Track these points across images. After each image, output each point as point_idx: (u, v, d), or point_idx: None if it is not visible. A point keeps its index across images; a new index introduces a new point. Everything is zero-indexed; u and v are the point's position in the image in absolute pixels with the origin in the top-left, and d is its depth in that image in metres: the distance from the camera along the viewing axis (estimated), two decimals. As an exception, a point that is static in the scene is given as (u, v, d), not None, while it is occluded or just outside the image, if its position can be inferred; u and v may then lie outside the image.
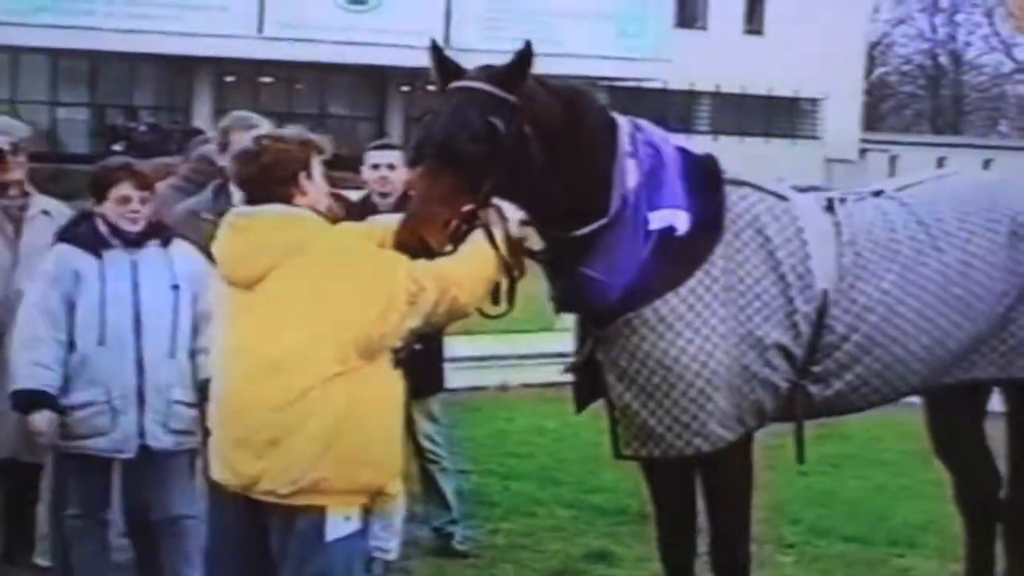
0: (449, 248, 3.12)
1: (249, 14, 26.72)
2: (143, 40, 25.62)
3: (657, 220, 3.39)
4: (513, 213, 3.24)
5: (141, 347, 3.96)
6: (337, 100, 30.83)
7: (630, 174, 3.38)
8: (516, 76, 3.22)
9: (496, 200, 3.21)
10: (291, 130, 3.19)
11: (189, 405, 4.00)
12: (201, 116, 28.05)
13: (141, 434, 3.97)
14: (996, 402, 4.16)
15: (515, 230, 3.25)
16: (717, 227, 3.45)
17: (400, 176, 4.91)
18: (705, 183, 3.49)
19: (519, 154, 3.19)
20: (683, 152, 3.52)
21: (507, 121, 3.17)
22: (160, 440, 3.99)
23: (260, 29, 26.91)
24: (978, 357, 3.79)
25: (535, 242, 3.43)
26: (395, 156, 5.01)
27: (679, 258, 3.40)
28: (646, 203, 3.38)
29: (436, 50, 3.31)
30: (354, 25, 26.99)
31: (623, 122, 3.45)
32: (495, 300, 3.29)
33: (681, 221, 3.41)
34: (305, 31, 26.37)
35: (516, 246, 3.25)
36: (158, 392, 3.97)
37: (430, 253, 3.09)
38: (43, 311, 3.94)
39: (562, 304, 3.53)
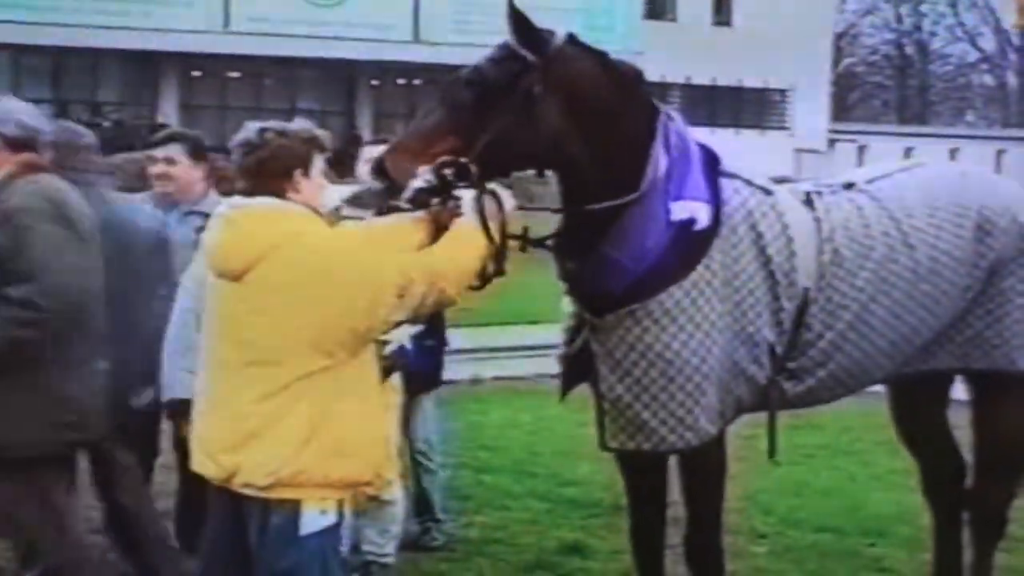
0: (419, 183, 3.11)
1: (214, 9, 26.54)
2: (107, 35, 25.41)
3: (680, 211, 3.38)
4: (509, 202, 3.22)
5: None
6: (306, 95, 30.68)
7: (661, 160, 3.38)
8: (539, 37, 3.26)
9: (496, 187, 3.20)
10: (297, 125, 3.18)
11: None
12: (167, 112, 27.86)
13: None
14: (961, 391, 4.19)
15: (512, 221, 3.23)
16: (716, 221, 3.45)
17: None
18: (710, 177, 3.49)
19: (524, 113, 3.19)
20: (700, 146, 3.52)
21: (514, 77, 3.19)
22: None
23: (226, 24, 26.75)
24: (936, 348, 3.82)
25: (538, 230, 3.42)
26: None
27: (687, 251, 3.39)
28: (672, 192, 3.38)
29: (512, 8, 3.30)
30: (322, 19, 26.87)
31: (662, 109, 3.46)
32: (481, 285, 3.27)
33: (703, 214, 3.41)
34: (272, 25, 26.24)
35: (504, 238, 3.21)
36: None
37: (391, 181, 3.12)
38: (198, 317, 3.87)
39: (575, 284, 3.49)
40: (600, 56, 3.39)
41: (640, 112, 3.41)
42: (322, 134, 3.19)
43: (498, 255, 3.19)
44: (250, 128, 3.13)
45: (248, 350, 2.99)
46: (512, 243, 3.23)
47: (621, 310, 3.39)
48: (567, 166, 3.34)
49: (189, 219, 4.64)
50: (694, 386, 3.40)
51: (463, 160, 3.14)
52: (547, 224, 3.52)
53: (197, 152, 4.69)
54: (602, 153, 3.32)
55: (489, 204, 3.17)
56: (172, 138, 4.78)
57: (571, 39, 3.35)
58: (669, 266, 3.37)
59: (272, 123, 3.15)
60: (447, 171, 3.13)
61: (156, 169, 4.72)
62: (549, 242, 3.44)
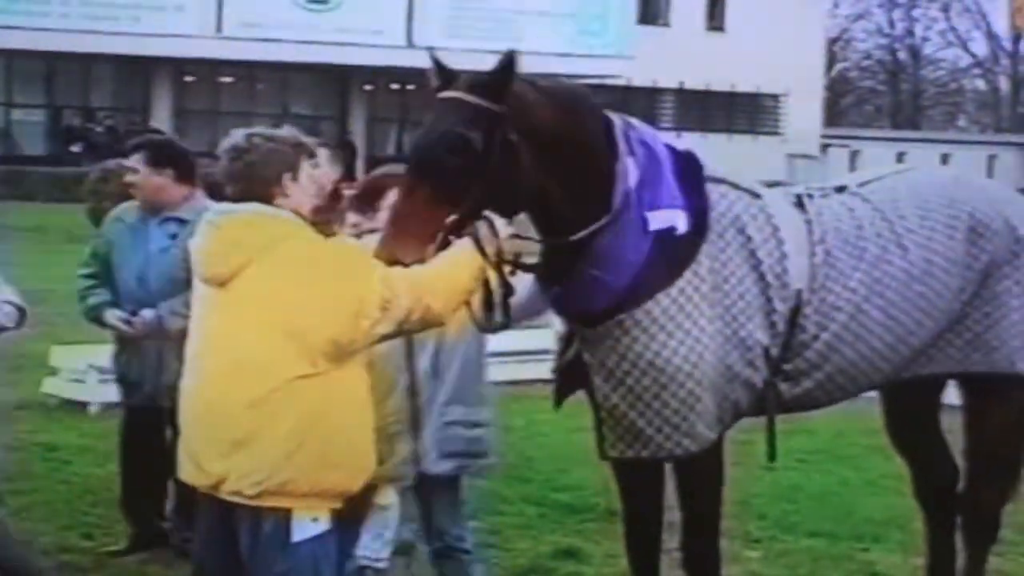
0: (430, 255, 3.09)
1: (207, 13, 26.53)
2: (99, 41, 25.40)
3: (657, 220, 3.37)
4: (504, 229, 3.21)
5: (413, 368, 3.61)
6: (299, 100, 30.68)
7: (630, 172, 3.36)
8: (499, 85, 3.18)
9: (488, 214, 3.18)
10: (285, 131, 3.17)
11: (469, 425, 3.69)
12: (160, 117, 27.84)
13: (416, 460, 3.64)
14: (954, 396, 4.20)
15: (507, 246, 3.22)
16: (703, 227, 3.44)
17: (324, 175, 4.74)
18: (691, 182, 3.48)
19: (506, 163, 3.16)
20: (671, 150, 3.50)
21: (489, 132, 3.14)
22: (438, 465, 3.65)
23: (219, 28, 26.74)
24: (935, 352, 3.82)
25: (527, 255, 3.40)
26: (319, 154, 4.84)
27: (670, 259, 3.39)
28: (646, 202, 3.36)
29: (434, 58, 3.26)
30: (315, 24, 26.88)
31: (617, 121, 3.43)
32: (488, 308, 3.27)
33: (681, 221, 3.40)
34: (264, 30, 26.24)
35: (502, 263, 3.21)
36: (431, 414, 3.64)
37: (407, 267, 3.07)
38: None
39: (563, 307, 3.47)
40: (541, 85, 3.33)
41: (596, 127, 3.39)
42: (309, 140, 3.18)
43: (500, 278, 3.18)
44: (237, 134, 3.12)
45: (231, 357, 2.98)
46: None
47: (609, 321, 3.38)
48: (545, 202, 3.31)
49: (165, 226, 4.71)
50: (687, 392, 3.40)
51: (457, 218, 3.09)
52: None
53: (156, 159, 4.76)
54: (574, 181, 3.30)
55: (483, 230, 3.16)
56: (136, 147, 4.88)
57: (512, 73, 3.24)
58: (654, 275, 3.37)
59: (259, 129, 3.15)
60: (450, 238, 3.09)
61: (126, 179, 4.86)
62: (535, 267, 3.42)
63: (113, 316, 4.69)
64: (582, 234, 3.30)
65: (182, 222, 4.65)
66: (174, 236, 4.65)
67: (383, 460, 3.54)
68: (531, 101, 3.25)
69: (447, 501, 3.85)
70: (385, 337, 3.11)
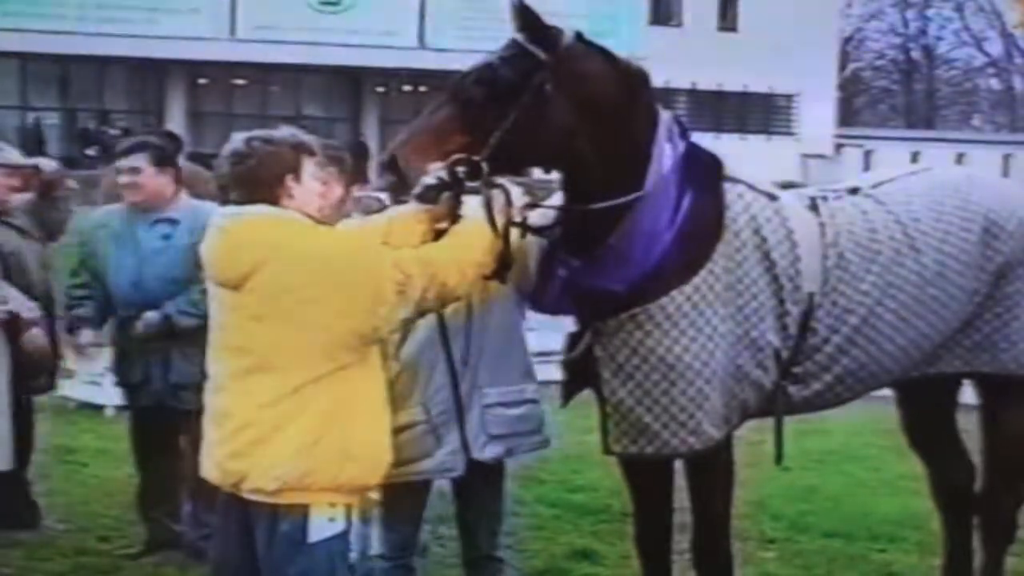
0: (430, 180, 3.13)
1: (221, 16, 26.63)
2: (114, 43, 25.50)
3: (680, 213, 3.39)
4: (520, 199, 3.24)
5: (451, 357, 3.51)
6: (312, 102, 30.73)
7: (667, 158, 3.38)
8: (552, 36, 3.27)
9: (505, 182, 3.21)
10: (283, 131, 3.17)
11: (513, 404, 3.57)
12: (174, 119, 27.94)
13: (466, 448, 3.52)
14: (971, 395, 4.18)
15: (518, 216, 3.25)
16: (719, 226, 3.45)
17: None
18: (709, 180, 3.49)
19: (535, 110, 3.20)
20: (694, 147, 3.52)
21: (526, 75, 3.20)
22: (486, 450, 3.54)
23: (232, 31, 26.83)
24: (943, 351, 3.82)
25: (537, 219, 3.43)
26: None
27: (689, 255, 3.40)
28: (674, 195, 3.38)
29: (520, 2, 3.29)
30: (327, 26, 26.93)
31: (665, 112, 3.48)
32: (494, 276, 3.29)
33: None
34: (278, 32, 26.31)
35: (512, 228, 3.24)
36: (474, 400, 3.55)
37: (402, 176, 3.13)
38: None
39: (580, 280, 3.43)
40: (608, 54, 3.40)
41: (643, 112, 3.42)
42: (309, 139, 3.18)
43: (503, 250, 3.20)
44: (236, 139, 3.12)
45: (250, 357, 3.00)
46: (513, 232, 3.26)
47: (623, 314, 3.39)
48: (574, 164, 3.35)
49: (157, 227, 4.67)
50: (696, 390, 3.40)
51: (475, 158, 3.15)
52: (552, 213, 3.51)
53: (161, 159, 4.72)
54: (609, 151, 3.33)
55: (498, 199, 3.19)
56: (136, 147, 4.78)
57: (579, 37, 3.36)
58: (672, 269, 3.38)
59: (257, 132, 3.14)
60: (459, 169, 3.15)
61: (123, 180, 4.73)
62: (548, 233, 3.44)
63: (143, 324, 4.62)
64: (605, 204, 3.31)
65: (173, 222, 4.65)
66: (167, 236, 4.64)
67: (430, 454, 3.52)
68: (582, 60, 3.31)
69: (488, 497, 3.70)
70: (406, 321, 3.12)
